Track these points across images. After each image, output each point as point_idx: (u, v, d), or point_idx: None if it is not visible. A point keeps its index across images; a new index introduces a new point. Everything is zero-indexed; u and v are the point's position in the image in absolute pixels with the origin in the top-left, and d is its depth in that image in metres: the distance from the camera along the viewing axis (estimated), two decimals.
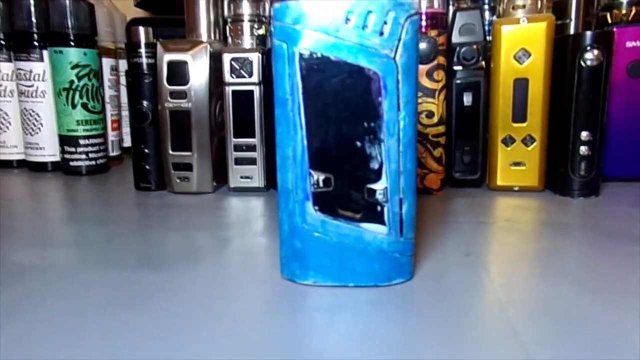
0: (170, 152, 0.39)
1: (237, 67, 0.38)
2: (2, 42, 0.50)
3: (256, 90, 0.38)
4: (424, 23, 0.37)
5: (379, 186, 0.20)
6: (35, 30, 0.48)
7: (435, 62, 0.37)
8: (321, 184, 0.20)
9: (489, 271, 0.23)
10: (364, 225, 0.20)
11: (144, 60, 0.40)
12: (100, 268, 0.24)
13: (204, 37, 0.41)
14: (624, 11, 0.41)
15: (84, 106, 0.48)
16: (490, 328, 0.18)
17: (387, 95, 0.19)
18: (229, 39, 0.41)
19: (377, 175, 0.20)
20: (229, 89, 0.38)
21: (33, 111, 0.49)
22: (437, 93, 0.37)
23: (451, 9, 0.48)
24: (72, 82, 0.47)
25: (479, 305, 0.20)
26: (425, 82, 0.37)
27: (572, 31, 0.39)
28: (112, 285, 0.22)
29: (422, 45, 0.37)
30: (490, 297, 0.20)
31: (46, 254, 0.26)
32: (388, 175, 0.20)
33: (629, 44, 0.39)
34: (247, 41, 0.41)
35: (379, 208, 0.20)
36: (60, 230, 0.31)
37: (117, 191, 0.43)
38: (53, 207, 0.38)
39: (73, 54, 0.46)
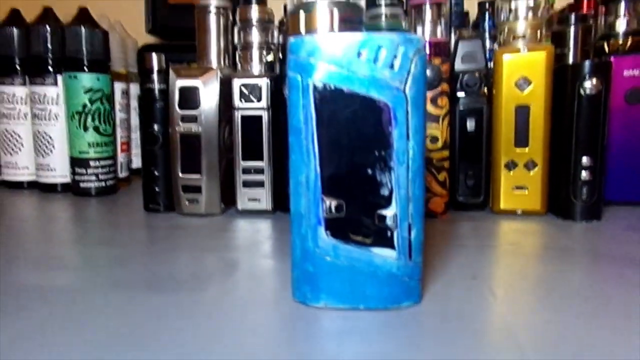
0: (180, 174, 0.40)
1: (247, 92, 0.39)
2: (18, 67, 0.52)
3: (264, 115, 0.39)
4: (427, 52, 0.39)
5: (389, 212, 0.21)
6: (50, 55, 0.50)
7: (439, 89, 0.38)
8: (333, 210, 0.21)
9: (496, 295, 0.23)
10: (375, 249, 0.21)
11: (156, 86, 0.41)
12: (109, 290, 0.24)
13: (214, 64, 0.42)
14: (620, 41, 0.43)
15: (96, 129, 0.49)
16: (499, 352, 0.18)
17: (397, 125, 0.20)
18: (239, 65, 0.42)
19: (387, 202, 0.21)
20: (238, 114, 0.40)
21: (46, 133, 0.50)
22: (441, 119, 0.39)
23: (453, 37, 0.49)
24: (84, 105, 0.48)
25: (487, 329, 0.20)
26: (430, 108, 0.38)
27: (570, 60, 0.41)
28: (120, 308, 0.22)
29: (427, 73, 0.38)
30: (499, 320, 0.21)
31: (55, 275, 0.27)
32: (398, 201, 0.20)
33: (627, 73, 0.40)
34: (256, 67, 0.42)
35: (389, 233, 0.21)
36: (70, 251, 0.32)
37: (126, 212, 0.43)
38: (63, 228, 0.39)
39: (87, 79, 0.48)
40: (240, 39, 0.42)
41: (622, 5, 0.42)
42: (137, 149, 0.58)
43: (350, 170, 0.20)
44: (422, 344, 0.19)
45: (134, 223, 0.39)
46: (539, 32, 0.39)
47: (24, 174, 0.53)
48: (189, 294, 0.24)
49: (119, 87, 0.55)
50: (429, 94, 0.38)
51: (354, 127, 0.20)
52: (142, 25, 0.64)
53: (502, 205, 0.40)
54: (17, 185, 0.53)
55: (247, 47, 0.42)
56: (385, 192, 0.20)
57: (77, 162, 0.49)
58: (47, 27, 0.50)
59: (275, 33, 0.43)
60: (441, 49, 0.39)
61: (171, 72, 0.40)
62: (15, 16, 0.54)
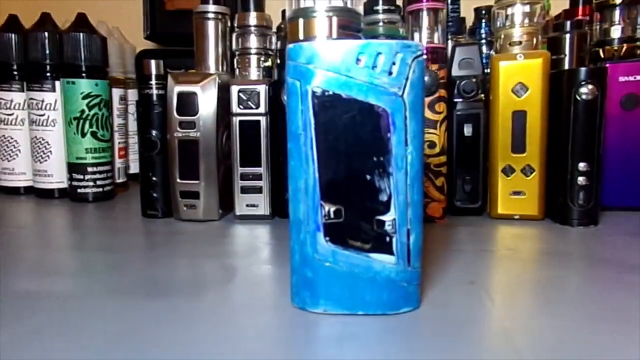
0: (178, 180, 0.40)
1: (245, 98, 0.40)
2: (15, 73, 0.52)
3: (263, 121, 0.40)
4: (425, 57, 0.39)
5: (387, 217, 0.21)
6: (48, 61, 0.50)
7: (436, 95, 0.38)
8: (332, 216, 0.21)
9: (494, 300, 0.24)
10: (373, 255, 0.21)
11: (154, 92, 0.41)
12: (107, 296, 0.24)
13: (213, 69, 0.42)
14: (615, 47, 0.43)
15: (94, 135, 0.49)
16: (498, 358, 0.18)
17: (395, 131, 0.20)
18: (237, 71, 0.43)
19: (385, 207, 0.21)
20: (236, 120, 0.40)
21: (43, 139, 0.50)
22: (438, 124, 0.39)
23: (450, 44, 0.50)
24: (82, 111, 0.48)
25: (486, 334, 0.20)
26: (427, 113, 0.38)
27: (566, 66, 0.41)
28: (118, 314, 0.22)
29: (425, 79, 0.38)
30: (497, 326, 0.21)
31: (52, 281, 0.27)
32: (396, 207, 0.21)
33: (622, 79, 0.40)
34: (254, 73, 0.42)
35: (387, 239, 0.21)
36: (67, 257, 0.32)
37: (123, 218, 0.43)
38: (60, 234, 0.39)
39: (85, 85, 0.48)
40: (238, 44, 0.42)
41: (617, 12, 0.43)
42: (134, 154, 0.58)
43: (348, 176, 0.21)
44: (421, 350, 0.19)
45: (131, 229, 0.39)
46: (535, 38, 0.39)
47: (21, 180, 0.53)
48: (187, 299, 0.24)
49: (117, 92, 0.55)
50: (427, 100, 0.38)
51: (353, 133, 0.20)
52: (140, 31, 0.64)
53: (500, 210, 0.40)
54: (14, 191, 0.53)
55: (245, 53, 0.42)
56: (383, 197, 0.21)
57: (74, 168, 0.49)
58: (45, 33, 0.50)
59: (274, 39, 0.43)
60: (438, 55, 0.39)
61: (169, 78, 0.40)
62: (13, 22, 0.54)
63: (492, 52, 0.53)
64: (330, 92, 0.20)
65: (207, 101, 0.39)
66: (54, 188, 0.51)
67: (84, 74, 0.48)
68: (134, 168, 0.59)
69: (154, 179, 0.42)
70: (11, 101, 0.52)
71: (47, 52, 0.50)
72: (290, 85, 0.21)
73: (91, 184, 0.49)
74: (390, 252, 0.21)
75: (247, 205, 0.40)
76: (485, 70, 0.41)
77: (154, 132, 0.41)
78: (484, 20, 0.56)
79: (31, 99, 0.50)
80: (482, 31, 0.56)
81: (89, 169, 0.49)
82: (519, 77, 0.38)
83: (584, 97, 0.36)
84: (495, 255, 0.31)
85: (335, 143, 0.20)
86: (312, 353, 0.19)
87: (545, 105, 0.38)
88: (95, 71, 0.49)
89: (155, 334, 0.20)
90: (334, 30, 0.27)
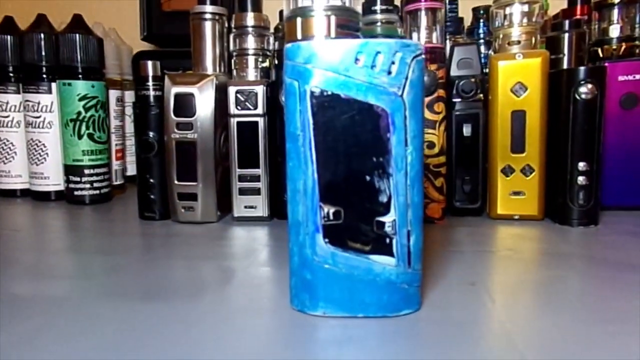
0: (176, 182, 0.40)
1: (242, 99, 0.39)
2: (11, 75, 0.51)
3: (261, 122, 0.39)
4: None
5: (387, 219, 0.20)
6: (44, 63, 0.49)
7: (435, 95, 0.38)
8: (331, 217, 0.21)
9: (495, 301, 0.23)
10: (373, 257, 0.21)
11: (151, 93, 0.41)
12: (104, 299, 0.24)
13: (210, 70, 0.42)
14: (614, 47, 0.43)
15: (90, 136, 0.49)
16: (500, 359, 0.18)
17: (395, 131, 0.20)
18: (234, 72, 0.42)
19: (385, 209, 0.20)
20: (234, 121, 0.39)
21: (39, 141, 0.50)
22: (437, 124, 0.39)
23: (448, 43, 0.50)
24: (79, 113, 0.48)
25: (487, 336, 0.20)
26: (426, 114, 0.38)
27: (565, 66, 0.41)
28: (115, 317, 0.22)
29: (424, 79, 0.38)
30: (499, 328, 0.21)
31: (49, 285, 0.26)
32: (396, 208, 0.20)
33: (621, 78, 0.40)
34: (252, 74, 0.42)
35: (387, 240, 0.21)
36: (64, 260, 0.32)
37: (121, 221, 0.43)
38: (56, 237, 0.38)
39: (81, 87, 0.48)
40: (235, 45, 0.42)
41: (616, 11, 0.43)
42: (132, 156, 0.58)
43: (348, 176, 0.20)
44: (422, 353, 0.18)
45: (129, 231, 0.39)
46: (533, 38, 0.39)
47: (17, 182, 0.53)
48: (185, 302, 0.23)
49: (113, 94, 0.55)
50: (426, 100, 0.38)
51: (352, 133, 0.20)
52: (137, 33, 0.64)
53: (499, 210, 0.39)
54: (10, 194, 0.53)
55: (242, 53, 0.42)
56: (383, 198, 0.20)
57: (71, 170, 0.49)
58: (41, 34, 0.49)
59: (271, 39, 0.43)
60: (437, 55, 0.39)
61: (166, 79, 0.39)
62: (8, 23, 0.53)
63: (490, 52, 0.53)
64: (329, 92, 0.20)
65: (204, 102, 0.39)
66: (51, 190, 0.51)
67: (80, 76, 0.48)
68: (131, 170, 0.58)
69: (151, 180, 0.41)
70: (7, 103, 0.51)
71: (43, 53, 0.49)
72: (289, 85, 0.20)
73: (88, 186, 0.49)
74: (391, 254, 0.21)
75: (246, 207, 0.40)
76: (484, 70, 0.41)
77: (151, 134, 0.41)
78: (482, 20, 0.56)
79: (27, 100, 0.50)
80: (480, 31, 0.56)
81: (86, 171, 0.49)
82: (518, 76, 0.38)
83: (583, 96, 0.36)
84: (496, 256, 0.31)
85: (334, 144, 0.20)
86: (312, 356, 0.18)
87: (544, 104, 0.38)
88: (92, 72, 0.48)
89: (152, 337, 0.20)
90: (332, 29, 0.27)
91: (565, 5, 0.54)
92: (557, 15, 0.53)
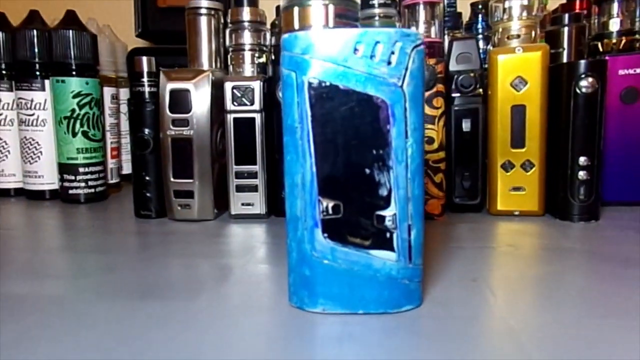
0: (172, 179, 0.39)
1: (239, 95, 0.39)
2: (4, 72, 0.51)
3: (257, 118, 0.39)
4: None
5: (388, 213, 0.20)
6: (37, 60, 0.49)
7: (434, 90, 0.38)
8: (330, 211, 0.20)
9: (497, 297, 0.23)
10: (373, 252, 0.20)
11: (146, 89, 0.41)
12: (100, 299, 0.23)
13: (206, 66, 0.41)
14: (614, 40, 0.42)
15: (85, 134, 0.48)
16: (504, 356, 0.18)
17: (395, 122, 0.19)
18: (230, 68, 0.42)
19: (386, 202, 0.20)
20: (230, 117, 0.39)
21: (33, 140, 0.49)
22: (436, 119, 0.38)
23: (446, 38, 0.49)
24: (73, 110, 0.47)
25: (490, 332, 0.20)
26: (425, 109, 0.38)
27: (565, 60, 0.40)
28: (111, 317, 0.21)
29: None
30: (501, 323, 0.20)
31: (44, 284, 0.26)
32: (397, 201, 0.20)
33: (621, 72, 0.40)
34: (248, 69, 0.41)
35: (388, 235, 0.20)
36: (59, 260, 0.31)
37: (116, 219, 0.42)
38: (51, 236, 0.38)
39: (75, 83, 0.47)
40: (231, 41, 0.41)
41: (615, 5, 0.42)
42: (127, 155, 0.57)
43: (347, 170, 0.20)
44: (424, 349, 0.18)
45: (124, 230, 0.38)
46: (533, 31, 0.39)
47: (11, 181, 0.52)
48: (182, 301, 0.23)
49: (108, 91, 0.54)
50: (425, 95, 0.38)
51: (351, 125, 0.20)
52: (132, 29, 0.63)
53: (499, 206, 0.39)
54: (4, 193, 0.52)
55: (239, 49, 0.41)
56: (383, 192, 0.20)
57: (65, 169, 0.48)
58: (34, 30, 0.49)
59: (268, 35, 0.42)
60: (435, 49, 0.39)
61: (162, 75, 0.39)
62: (0, 20, 0.53)
63: (489, 47, 0.53)
64: (327, 83, 0.19)
65: (200, 98, 0.39)
66: (45, 189, 0.50)
67: (74, 73, 0.47)
68: (127, 169, 0.58)
69: (147, 178, 0.41)
70: None
71: (36, 50, 0.49)
72: (286, 76, 0.20)
73: (83, 184, 0.48)
74: (391, 249, 0.20)
75: (243, 204, 0.40)
76: (484, 65, 0.41)
77: (146, 131, 0.40)
78: (480, 15, 0.56)
79: (20, 98, 0.49)
80: (479, 26, 0.55)
81: (81, 170, 0.48)
82: (518, 70, 0.37)
83: (584, 90, 0.35)
84: (497, 252, 0.30)
85: (333, 136, 0.20)
86: (311, 354, 0.18)
87: (544, 99, 0.37)
88: (86, 69, 0.48)
89: (149, 336, 0.19)
90: (330, 19, 0.26)
91: (563, 0, 0.53)
92: (556, 9, 0.52)
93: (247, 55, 0.41)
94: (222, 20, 0.42)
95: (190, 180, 0.39)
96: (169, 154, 0.39)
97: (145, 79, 0.40)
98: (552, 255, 0.30)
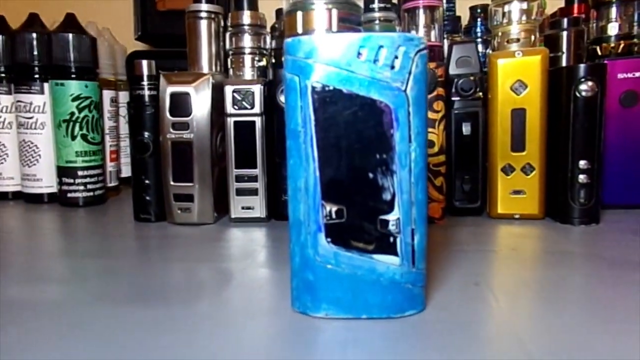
0: (172, 182, 0.39)
1: (239, 98, 0.39)
2: (3, 75, 0.50)
3: (258, 121, 0.39)
4: None
5: (391, 217, 0.20)
6: (36, 63, 0.49)
7: (435, 93, 0.38)
8: (334, 216, 0.20)
9: (500, 301, 0.23)
10: (377, 256, 0.20)
11: (146, 92, 0.40)
12: (99, 304, 0.23)
13: (206, 69, 0.41)
14: (613, 44, 0.43)
15: (84, 137, 0.48)
16: None
17: (398, 127, 0.19)
18: (230, 71, 0.42)
19: (389, 207, 0.20)
20: (230, 120, 0.39)
21: (32, 143, 0.49)
22: (437, 123, 0.38)
23: (446, 42, 0.49)
24: (72, 113, 0.47)
25: (494, 337, 0.20)
26: None
27: (564, 63, 0.41)
28: (110, 322, 0.21)
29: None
30: (506, 328, 0.20)
31: (42, 289, 0.25)
32: (400, 206, 0.20)
33: (621, 76, 0.40)
34: (249, 73, 0.41)
35: (391, 239, 0.20)
36: (57, 264, 0.31)
37: (115, 223, 0.42)
38: (50, 240, 0.38)
39: (74, 86, 0.47)
40: (232, 44, 0.41)
41: (614, 9, 0.43)
42: (126, 158, 0.57)
43: (350, 174, 0.20)
44: (428, 354, 0.18)
45: (124, 234, 0.38)
46: (533, 35, 0.39)
47: (9, 185, 0.52)
48: (182, 306, 0.23)
49: (107, 94, 0.54)
50: None
51: (354, 130, 0.20)
52: (131, 32, 0.63)
53: (500, 210, 0.39)
54: (2, 196, 0.52)
55: (239, 52, 0.41)
56: (387, 196, 0.20)
57: (64, 172, 0.48)
58: (33, 33, 0.49)
59: (268, 38, 0.42)
60: (435, 53, 0.39)
61: (162, 79, 0.39)
62: (0, 23, 0.52)
63: (488, 50, 0.53)
64: (331, 88, 0.19)
65: (200, 102, 0.38)
66: (44, 193, 0.50)
67: (73, 75, 0.47)
68: (126, 172, 0.57)
69: (146, 182, 0.40)
70: None
71: (35, 53, 0.48)
72: (289, 80, 0.20)
73: (82, 188, 0.48)
74: (395, 253, 0.20)
75: (243, 208, 0.39)
76: (483, 69, 0.41)
77: (146, 134, 0.40)
78: (479, 19, 0.56)
79: (19, 101, 0.49)
80: (478, 30, 0.55)
81: (80, 173, 0.48)
82: (518, 74, 0.37)
83: (583, 93, 0.35)
84: (498, 256, 0.30)
85: (336, 140, 0.20)
86: (315, 359, 0.18)
87: (544, 102, 0.37)
88: (85, 72, 0.47)
89: (149, 343, 0.19)
90: (333, 23, 0.26)
91: (562, 4, 0.54)
92: (554, 14, 0.53)
93: (248, 58, 0.41)
94: (222, 24, 0.42)
95: (190, 184, 0.39)
96: (169, 158, 0.39)
97: (145, 82, 0.40)
98: (553, 259, 0.30)
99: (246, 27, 0.40)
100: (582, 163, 0.36)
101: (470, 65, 0.40)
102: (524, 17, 0.39)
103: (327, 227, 0.20)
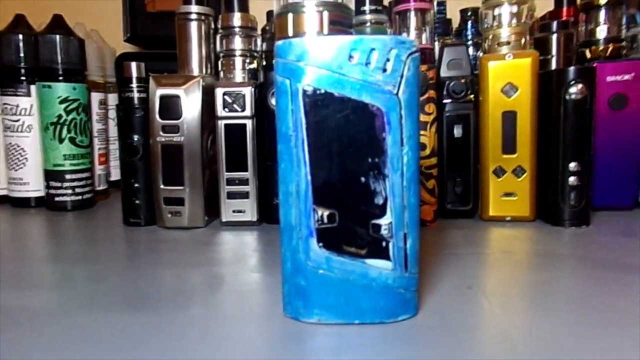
0: (162, 186, 0.39)
1: (230, 101, 0.38)
2: None
3: (249, 124, 0.38)
4: None
5: (384, 221, 0.20)
6: (23, 65, 0.48)
7: (426, 96, 0.38)
8: (325, 220, 0.20)
9: (493, 304, 0.23)
10: (369, 261, 0.20)
11: (136, 95, 0.40)
12: (87, 310, 0.23)
13: (196, 72, 0.41)
14: (601, 48, 0.43)
15: (72, 140, 0.47)
16: None
17: (390, 130, 0.19)
18: (221, 73, 0.41)
19: (381, 211, 0.20)
20: (221, 123, 0.38)
21: (18, 146, 0.48)
22: (428, 126, 0.38)
23: (437, 45, 0.49)
24: (60, 116, 0.46)
25: (487, 341, 0.20)
26: None
27: (554, 66, 0.41)
28: (99, 328, 0.21)
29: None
30: (499, 332, 0.20)
31: (29, 295, 0.25)
32: (393, 210, 0.20)
33: (609, 79, 0.40)
34: (239, 75, 0.41)
35: (384, 243, 0.20)
36: (45, 270, 0.30)
37: (104, 227, 0.42)
38: (37, 245, 0.37)
39: (62, 89, 0.46)
40: (222, 46, 0.41)
41: (602, 13, 0.43)
42: (115, 161, 0.56)
43: (342, 178, 0.20)
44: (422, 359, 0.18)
45: (113, 238, 0.37)
46: (523, 38, 0.39)
47: None
48: (172, 312, 0.22)
49: (96, 97, 0.53)
50: None
51: (346, 133, 0.19)
52: (120, 34, 0.62)
53: (491, 212, 0.39)
54: None
55: (229, 54, 0.41)
56: (379, 200, 0.20)
57: (51, 175, 0.47)
58: (19, 35, 0.48)
59: (258, 40, 0.42)
60: (427, 56, 0.39)
61: (151, 81, 0.38)
62: None
63: (478, 53, 0.53)
64: (322, 91, 0.19)
65: (191, 104, 0.38)
66: (31, 197, 0.49)
67: (60, 78, 0.46)
68: (115, 175, 0.57)
69: (136, 185, 0.40)
70: None
71: (22, 55, 0.48)
72: (280, 83, 0.20)
73: (70, 191, 0.47)
74: (387, 258, 0.20)
75: (234, 211, 0.39)
76: (474, 71, 0.41)
77: (135, 137, 0.40)
78: (469, 22, 0.56)
79: (5, 104, 0.48)
80: (469, 33, 0.56)
81: (67, 176, 0.47)
82: (508, 77, 0.37)
83: (573, 96, 0.36)
84: (490, 258, 0.30)
85: (328, 144, 0.19)
86: None
87: (535, 105, 0.37)
88: (73, 74, 0.47)
89: (138, 349, 0.19)
90: (324, 25, 0.26)
91: (551, 8, 0.54)
92: (544, 17, 0.53)
93: (238, 61, 0.41)
94: (212, 26, 0.42)
95: (181, 187, 0.39)
96: (158, 161, 0.38)
97: (134, 85, 0.40)
98: (545, 261, 0.30)
99: (237, 29, 0.40)
100: (572, 165, 0.36)
101: (461, 68, 0.40)
102: (514, 20, 0.39)
103: (318, 231, 0.20)
